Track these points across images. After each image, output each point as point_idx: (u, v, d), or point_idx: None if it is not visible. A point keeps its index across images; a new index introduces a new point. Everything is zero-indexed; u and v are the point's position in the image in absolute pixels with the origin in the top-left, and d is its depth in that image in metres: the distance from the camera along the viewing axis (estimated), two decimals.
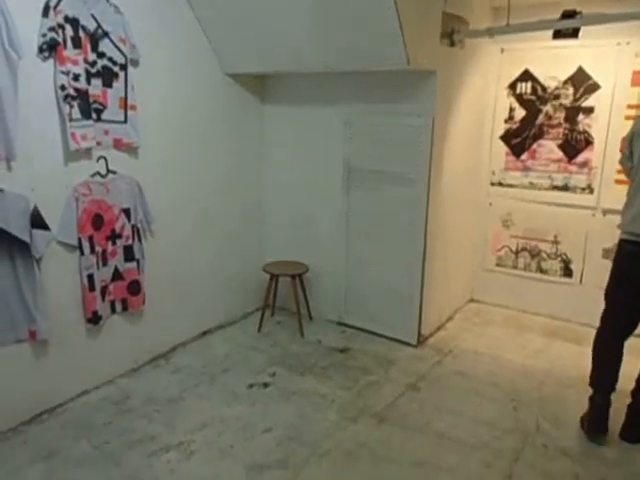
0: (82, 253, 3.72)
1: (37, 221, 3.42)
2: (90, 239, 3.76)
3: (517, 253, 5.49)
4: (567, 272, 5.23)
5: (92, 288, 3.81)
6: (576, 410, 3.69)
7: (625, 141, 3.45)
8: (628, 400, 3.46)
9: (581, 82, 4.88)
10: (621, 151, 3.58)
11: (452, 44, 4.33)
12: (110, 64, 3.73)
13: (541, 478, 3.12)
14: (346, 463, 3.25)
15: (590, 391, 3.53)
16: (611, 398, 3.44)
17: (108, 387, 4.02)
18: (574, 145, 4.99)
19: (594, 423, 3.44)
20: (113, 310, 4.04)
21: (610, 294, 3.48)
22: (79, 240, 3.69)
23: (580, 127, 4.94)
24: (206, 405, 3.81)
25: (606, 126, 4.81)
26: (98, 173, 3.78)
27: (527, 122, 5.22)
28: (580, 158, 4.98)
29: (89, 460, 3.24)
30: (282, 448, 3.36)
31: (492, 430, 3.55)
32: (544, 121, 5.13)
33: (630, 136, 3.37)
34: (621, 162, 3.60)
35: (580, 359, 4.39)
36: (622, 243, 3.36)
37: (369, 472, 3.18)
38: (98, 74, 3.67)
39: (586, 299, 5.03)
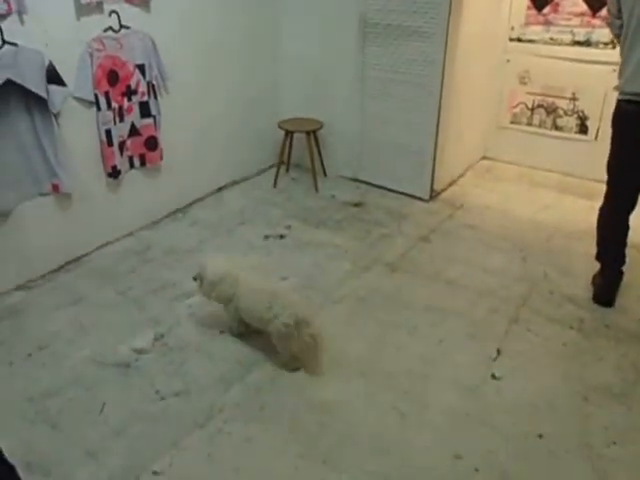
0: (99, 109, 3.74)
1: (53, 77, 3.41)
2: (106, 95, 3.76)
3: (533, 110, 5.40)
4: (583, 129, 5.17)
5: (110, 143, 3.85)
6: (584, 261, 3.80)
7: None
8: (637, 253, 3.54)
9: None
10: (608, 11, 3.29)
11: None
12: None
13: (546, 322, 3.27)
14: (360, 308, 3.41)
15: (597, 265, 3.54)
16: (623, 270, 3.47)
17: (129, 239, 4.17)
18: None
19: (602, 295, 3.44)
20: (131, 165, 4.10)
21: (612, 163, 3.35)
22: (95, 96, 3.70)
23: None
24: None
25: None
26: (111, 28, 3.71)
27: None
28: (605, 11, 4.74)
29: (115, 304, 3.44)
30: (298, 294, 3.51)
31: (500, 279, 3.68)
32: None
33: None
34: (609, 24, 3.34)
35: (590, 214, 4.39)
36: (621, 104, 3.16)
37: (382, 315, 3.34)
38: None
39: (601, 155, 4.85)
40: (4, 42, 3.13)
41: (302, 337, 2.76)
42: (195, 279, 3.07)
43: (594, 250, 3.55)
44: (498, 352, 3.03)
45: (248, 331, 3.08)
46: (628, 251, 3.46)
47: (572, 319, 3.29)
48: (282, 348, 2.86)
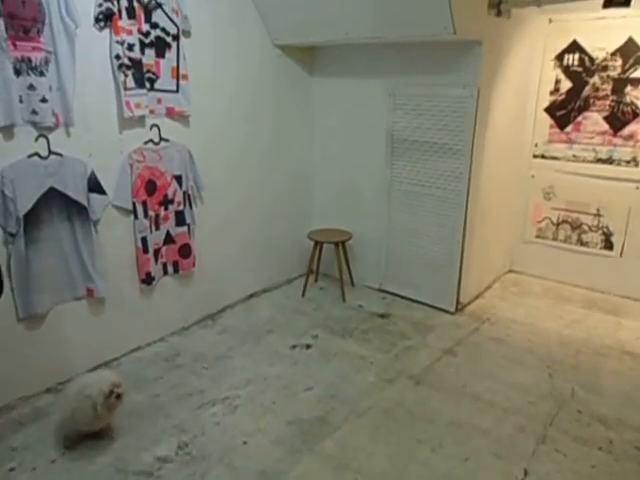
0: (136, 217, 3.91)
1: (94, 185, 3.61)
2: (144, 204, 3.94)
3: (558, 225, 5.49)
4: (608, 245, 5.22)
5: (146, 250, 4.00)
6: (612, 379, 3.75)
7: None
8: None
9: (631, 53, 4.78)
10: None
11: (499, 14, 4.26)
12: (163, 34, 3.84)
13: (574, 443, 3.19)
14: (383, 421, 3.39)
15: None
16: None
17: (160, 344, 4.25)
18: (620, 117, 4.94)
19: None
20: (165, 272, 4.23)
21: None
22: (133, 205, 3.88)
23: (627, 99, 4.86)
24: (251, 363, 3.99)
25: None
26: (151, 141, 3.94)
27: (573, 94, 5.16)
28: (626, 131, 4.92)
29: (141, 410, 3.46)
30: (322, 406, 3.52)
31: (527, 395, 3.64)
32: (590, 93, 5.06)
33: None
34: None
35: (617, 330, 4.44)
36: None
37: (406, 430, 3.31)
38: (151, 44, 3.79)
39: (626, 272, 5.06)
40: (50, 152, 3.35)
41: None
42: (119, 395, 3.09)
43: (621, 367, 3.52)
44: (525, 473, 2.96)
45: None
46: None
47: (601, 440, 3.22)
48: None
